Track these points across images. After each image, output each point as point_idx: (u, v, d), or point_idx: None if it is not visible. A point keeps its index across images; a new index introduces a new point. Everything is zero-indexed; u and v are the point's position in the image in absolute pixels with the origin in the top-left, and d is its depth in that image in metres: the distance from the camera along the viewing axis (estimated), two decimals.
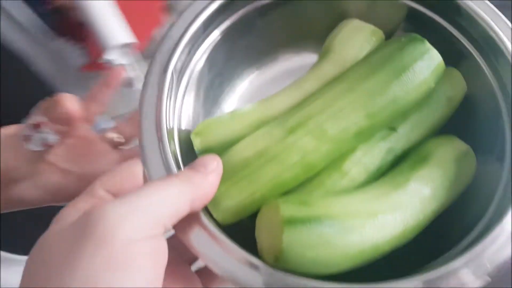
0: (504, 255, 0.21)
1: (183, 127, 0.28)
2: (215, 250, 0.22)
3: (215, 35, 0.30)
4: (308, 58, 0.34)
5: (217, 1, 0.28)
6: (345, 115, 0.24)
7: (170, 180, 0.20)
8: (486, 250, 0.21)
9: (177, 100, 0.27)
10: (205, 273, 0.25)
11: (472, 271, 0.20)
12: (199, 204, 0.21)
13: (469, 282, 0.20)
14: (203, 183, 0.21)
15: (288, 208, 0.21)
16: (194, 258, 0.25)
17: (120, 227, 0.17)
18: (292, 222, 0.20)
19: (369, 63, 0.25)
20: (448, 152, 0.25)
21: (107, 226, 0.17)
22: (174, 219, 0.20)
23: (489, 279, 0.20)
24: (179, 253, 0.24)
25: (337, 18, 0.31)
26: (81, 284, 0.17)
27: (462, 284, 0.20)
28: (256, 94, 0.33)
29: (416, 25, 0.30)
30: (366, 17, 0.30)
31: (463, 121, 0.28)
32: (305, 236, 0.20)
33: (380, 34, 0.30)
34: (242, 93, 0.33)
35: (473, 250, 0.21)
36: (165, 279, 0.19)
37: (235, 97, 0.33)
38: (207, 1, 0.27)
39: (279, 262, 0.21)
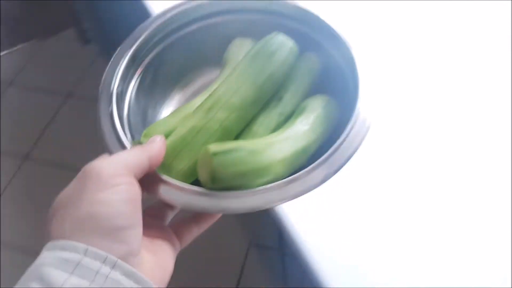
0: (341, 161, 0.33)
1: (133, 132, 0.38)
2: (172, 190, 0.32)
3: (141, 68, 0.42)
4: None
5: (137, 42, 0.40)
6: (242, 91, 0.36)
7: (133, 148, 0.31)
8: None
9: (123, 113, 0.38)
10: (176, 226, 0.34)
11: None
12: (154, 162, 0.31)
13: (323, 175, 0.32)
14: (154, 147, 0.31)
15: (214, 146, 0.32)
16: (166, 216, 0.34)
17: (105, 169, 0.27)
18: (217, 153, 0.31)
19: (249, 55, 0.37)
20: (318, 102, 0.38)
21: (96, 170, 0.27)
22: (139, 169, 0.30)
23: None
24: (154, 215, 0.33)
25: (227, 40, 0.44)
26: (88, 205, 0.26)
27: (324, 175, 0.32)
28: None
29: (286, 32, 0.43)
30: (247, 35, 0.44)
31: (325, 87, 0.41)
32: (227, 159, 0.31)
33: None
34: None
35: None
36: (144, 230, 0.28)
37: (169, 110, 0.44)
38: (133, 40, 0.40)
39: (216, 182, 0.31)
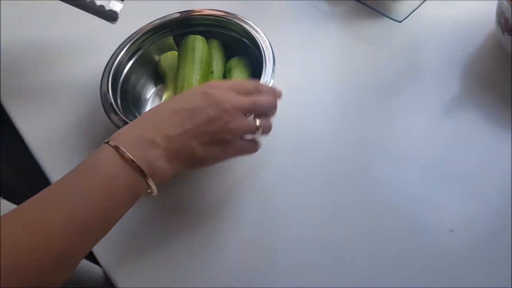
0: None
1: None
2: None
3: (129, 64, 0.59)
4: None
5: (128, 44, 0.59)
6: (193, 76, 0.54)
7: None
8: None
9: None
10: None
11: None
12: None
13: None
14: None
15: None
16: None
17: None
18: None
19: (181, 53, 0.59)
20: (235, 60, 0.60)
21: None
22: None
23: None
24: None
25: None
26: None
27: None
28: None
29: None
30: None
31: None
32: None
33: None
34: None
35: None
36: None
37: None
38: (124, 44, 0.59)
39: None
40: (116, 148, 0.37)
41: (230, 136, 0.42)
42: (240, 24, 0.59)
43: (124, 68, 0.59)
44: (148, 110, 0.44)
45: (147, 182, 0.38)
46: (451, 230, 0.47)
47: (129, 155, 0.37)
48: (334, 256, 0.47)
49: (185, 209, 0.51)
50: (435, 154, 0.53)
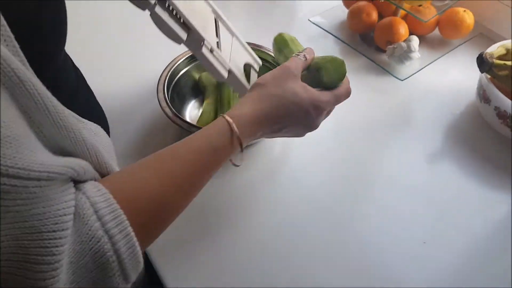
0: None
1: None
2: None
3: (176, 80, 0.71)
4: None
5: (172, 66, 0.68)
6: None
7: None
8: None
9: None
10: None
11: None
12: None
13: None
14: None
15: None
16: None
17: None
18: None
19: None
20: None
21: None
22: None
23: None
24: None
25: None
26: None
27: None
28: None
29: None
30: None
31: None
32: None
33: None
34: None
35: None
36: None
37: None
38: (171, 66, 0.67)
39: None
40: (229, 123, 0.46)
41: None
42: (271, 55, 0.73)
43: (177, 74, 0.74)
44: (263, 95, 0.50)
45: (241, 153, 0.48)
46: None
47: (237, 130, 0.46)
48: (343, 257, 0.58)
49: (203, 207, 0.63)
50: (416, 195, 0.65)
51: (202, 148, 0.44)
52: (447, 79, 0.82)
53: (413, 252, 0.57)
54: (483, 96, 0.70)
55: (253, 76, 0.66)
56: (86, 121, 0.45)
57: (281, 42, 0.60)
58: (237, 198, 0.64)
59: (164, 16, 0.50)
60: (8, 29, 0.31)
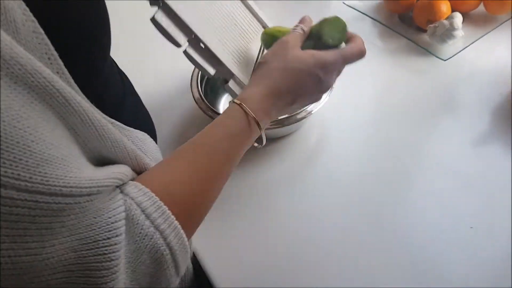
0: None
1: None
2: None
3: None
4: None
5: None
6: None
7: None
8: None
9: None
10: None
11: None
12: None
13: None
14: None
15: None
16: None
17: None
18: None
19: None
20: None
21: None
22: None
23: None
24: None
25: None
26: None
27: None
28: None
29: None
30: None
31: None
32: None
33: None
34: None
35: None
36: None
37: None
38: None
39: None
40: (240, 105, 0.46)
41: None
42: None
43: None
44: (266, 72, 0.49)
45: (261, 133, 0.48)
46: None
47: (249, 111, 0.46)
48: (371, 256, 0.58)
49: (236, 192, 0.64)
50: (462, 180, 0.63)
51: (220, 136, 0.45)
52: (493, 57, 0.78)
53: (460, 237, 0.56)
54: None
55: None
56: (132, 129, 0.47)
57: (267, 40, 0.60)
58: (277, 189, 0.64)
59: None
60: (52, 48, 0.32)
